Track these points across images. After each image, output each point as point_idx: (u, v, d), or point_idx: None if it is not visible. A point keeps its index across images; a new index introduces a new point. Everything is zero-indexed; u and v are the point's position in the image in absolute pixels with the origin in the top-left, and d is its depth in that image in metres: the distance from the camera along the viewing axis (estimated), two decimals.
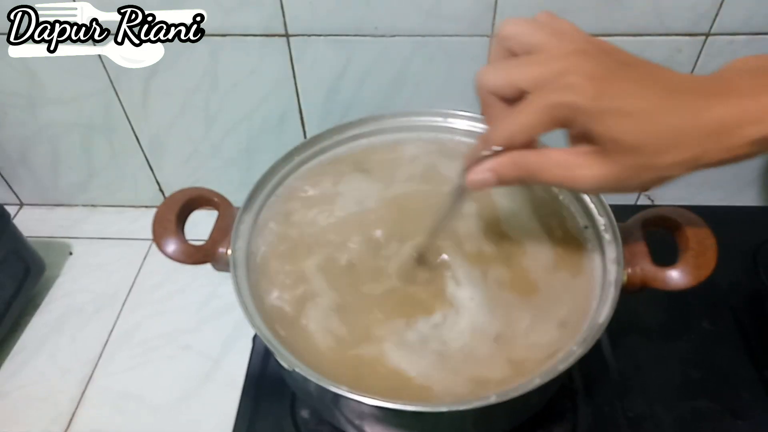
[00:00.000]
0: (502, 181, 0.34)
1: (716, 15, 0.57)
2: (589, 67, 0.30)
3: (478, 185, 0.35)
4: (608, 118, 0.30)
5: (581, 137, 0.32)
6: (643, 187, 0.32)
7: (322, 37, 0.60)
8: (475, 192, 0.37)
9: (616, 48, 0.33)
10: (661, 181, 0.32)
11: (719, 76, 0.32)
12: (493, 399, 0.36)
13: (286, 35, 0.60)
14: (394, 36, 0.60)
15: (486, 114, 0.35)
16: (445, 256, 0.46)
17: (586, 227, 0.47)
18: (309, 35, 0.60)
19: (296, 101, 0.66)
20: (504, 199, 0.50)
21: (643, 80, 0.31)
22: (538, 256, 0.46)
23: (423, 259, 0.45)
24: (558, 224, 0.48)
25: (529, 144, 0.33)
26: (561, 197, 0.50)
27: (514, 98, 0.33)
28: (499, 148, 0.34)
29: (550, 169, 0.33)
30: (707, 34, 0.58)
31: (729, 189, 0.73)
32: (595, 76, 0.30)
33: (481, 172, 0.34)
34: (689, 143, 0.30)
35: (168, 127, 0.70)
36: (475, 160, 0.35)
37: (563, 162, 0.33)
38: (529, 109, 0.31)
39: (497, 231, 0.47)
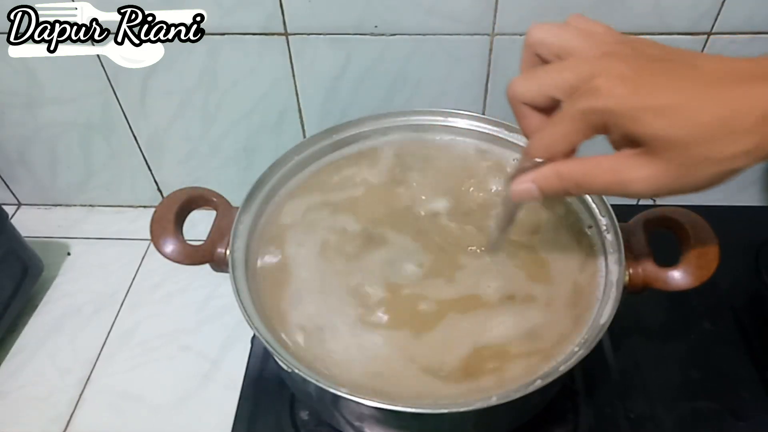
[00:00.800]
0: (545, 193, 0.33)
1: (718, 14, 0.56)
2: (619, 68, 0.29)
3: (521, 196, 0.34)
4: (646, 117, 0.28)
5: (624, 141, 0.30)
6: (708, 183, 0.29)
7: (321, 36, 0.60)
8: (524, 203, 0.36)
9: (652, 43, 0.31)
10: (726, 174, 0.29)
11: (764, 59, 0.29)
12: (494, 400, 0.36)
13: (286, 34, 0.60)
14: (393, 35, 0.60)
15: (522, 125, 0.34)
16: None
17: (590, 227, 0.47)
18: (308, 34, 0.60)
19: (295, 100, 0.66)
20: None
21: (680, 73, 0.29)
22: (542, 257, 0.46)
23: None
24: (561, 224, 0.48)
25: (571, 154, 0.32)
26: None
27: (548, 107, 0.33)
28: (540, 161, 0.33)
29: (597, 176, 0.31)
30: (709, 33, 0.58)
31: (730, 188, 0.72)
32: (626, 76, 0.29)
33: (523, 183, 0.34)
34: (745, 130, 0.27)
35: (166, 126, 0.70)
36: (520, 171, 0.34)
37: (611, 167, 0.31)
38: (564, 119, 0.31)
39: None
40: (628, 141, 0.30)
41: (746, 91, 0.27)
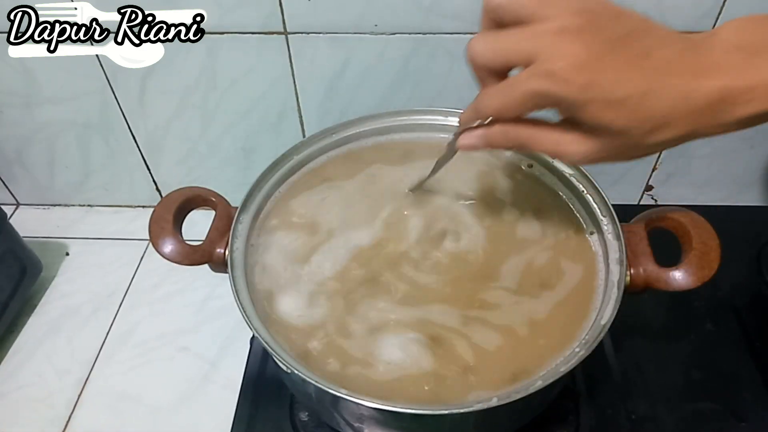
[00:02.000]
0: (491, 147, 0.37)
1: (719, 13, 0.56)
2: (576, 50, 0.30)
3: (469, 148, 0.38)
4: (593, 107, 0.31)
5: (567, 116, 0.33)
6: (634, 158, 0.34)
7: (321, 35, 0.60)
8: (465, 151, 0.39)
9: (612, 13, 0.31)
10: (652, 153, 0.34)
11: (710, 45, 0.31)
12: (494, 401, 0.36)
13: (285, 33, 0.60)
14: (393, 34, 0.59)
15: (479, 82, 0.35)
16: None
17: (591, 231, 0.47)
18: (308, 33, 0.60)
19: (295, 100, 0.66)
20: (509, 198, 0.49)
21: (633, 62, 0.30)
22: (541, 255, 0.45)
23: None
24: (563, 224, 0.48)
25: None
26: (564, 196, 0.50)
27: (506, 71, 0.34)
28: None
29: (540, 141, 0.35)
30: None
31: (732, 189, 0.72)
32: (580, 63, 0.30)
33: (473, 138, 0.37)
34: (680, 122, 0.31)
35: (165, 126, 0.70)
36: (468, 124, 0.37)
37: (552, 137, 0.34)
38: (515, 92, 0.32)
39: (500, 232, 0.47)
40: (571, 118, 0.33)
41: (691, 87, 0.30)
